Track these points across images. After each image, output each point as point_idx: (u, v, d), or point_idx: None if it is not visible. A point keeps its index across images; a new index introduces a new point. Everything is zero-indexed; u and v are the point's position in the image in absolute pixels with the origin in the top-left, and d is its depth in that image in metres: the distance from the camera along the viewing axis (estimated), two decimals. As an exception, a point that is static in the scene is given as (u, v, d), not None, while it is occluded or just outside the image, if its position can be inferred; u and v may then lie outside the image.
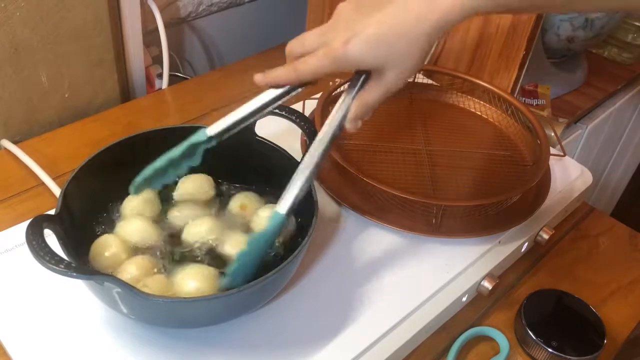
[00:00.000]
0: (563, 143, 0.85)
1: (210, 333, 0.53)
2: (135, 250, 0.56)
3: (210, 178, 0.63)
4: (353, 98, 0.49)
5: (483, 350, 0.61)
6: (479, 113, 0.83)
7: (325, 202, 0.67)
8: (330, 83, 0.79)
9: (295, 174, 0.49)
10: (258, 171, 0.64)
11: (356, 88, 0.49)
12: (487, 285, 0.63)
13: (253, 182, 0.64)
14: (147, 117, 0.86)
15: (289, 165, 0.60)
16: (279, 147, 0.62)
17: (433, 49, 0.94)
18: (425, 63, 0.95)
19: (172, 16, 1.02)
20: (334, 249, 0.63)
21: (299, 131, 0.62)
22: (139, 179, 0.52)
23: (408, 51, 0.45)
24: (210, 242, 0.57)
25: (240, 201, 0.62)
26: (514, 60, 0.87)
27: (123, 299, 0.46)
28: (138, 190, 0.53)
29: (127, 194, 0.59)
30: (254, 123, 0.61)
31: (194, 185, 0.62)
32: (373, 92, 0.48)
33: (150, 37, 0.94)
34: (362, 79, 0.48)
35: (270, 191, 0.63)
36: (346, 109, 0.49)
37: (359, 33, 0.44)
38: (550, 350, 0.58)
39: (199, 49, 1.11)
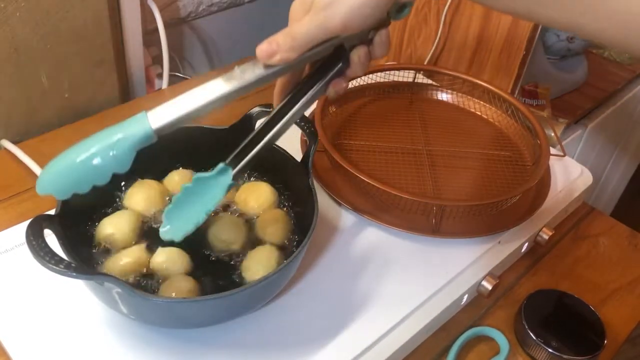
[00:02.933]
0: (563, 143, 0.85)
1: (210, 333, 0.53)
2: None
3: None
4: None
5: (483, 351, 0.61)
6: (479, 113, 0.83)
7: (325, 202, 0.67)
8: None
9: (257, 134, 0.48)
10: (257, 171, 0.64)
11: None
12: (487, 285, 0.63)
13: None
14: (147, 117, 0.86)
15: (289, 164, 0.60)
16: (279, 147, 0.62)
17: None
18: (433, 60, 0.95)
19: (172, 16, 1.02)
20: (334, 249, 0.63)
21: (299, 131, 0.62)
22: (46, 176, 0.42)
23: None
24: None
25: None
26: (514, 60, 0.87)
27: (123, 299, 0.46)
28: (44, 191, 0.42)
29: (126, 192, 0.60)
30: (253, 122, 0.61)
31: None
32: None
33: (150, 37, 0.94)
34: None
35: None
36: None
37: None
38: (550, 350, 0.58)
39: (199, 49, 1.11)
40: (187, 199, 0.49)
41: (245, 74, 0.43)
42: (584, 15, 0.37)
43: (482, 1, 0.42)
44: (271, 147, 0.61)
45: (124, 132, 0.41)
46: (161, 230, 0.49)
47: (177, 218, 0.49)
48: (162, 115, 0.42)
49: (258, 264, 0.54)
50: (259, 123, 0.50)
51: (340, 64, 0.46)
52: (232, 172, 0.48)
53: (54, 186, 0.42)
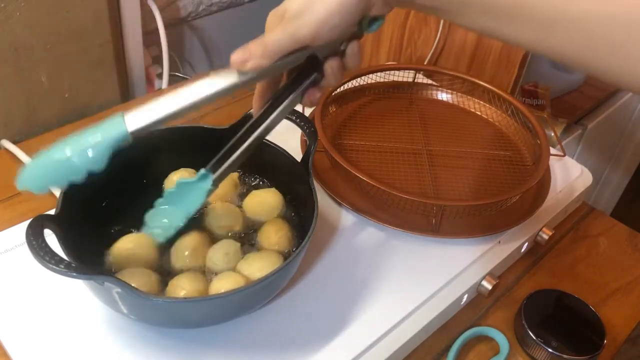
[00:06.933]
0: (563, 143, 0.85)
1: (210, 333, 0.53)
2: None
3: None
4: None
5: (483, 350, 0.61)
6: (479, 113, 0.83)
7: (325, 202, 0.67)
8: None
9: (237, 141, 0.50)
10: (258, 171, 0.64)
11: None
12: (487, 285, 0.63)
13: (253, 182, 0.64)
14: (147, 117, 0.86)
15: (289, 164, 0.60)
16: (279, 147, 0.62)
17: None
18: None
19: (172, 16, 1.02)
20: (334, 249, 0.63)
21: (299, 131, 0.62)
22: (26, 174, 0.44)
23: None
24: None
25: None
26: (514, 60, 0.87)
27: (123, 299, 0.46)
28: (22, 186, 0.44)
29: (126, 193, 0.60)
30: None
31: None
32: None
33: (150, 37, 0.94)
34: None
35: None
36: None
37: None
38: (550, 350, 0.58)
39: (199, 49, 1.12)
40: (171, 203, 0.52)
41: (220, 80, 0.45)
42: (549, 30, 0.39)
43: (449, 17, 0.43)
44: (272, 148, 0.62)
45: (100, 134, 0.43)
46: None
47: (159, 221, 0.52)
48: (138, 118, 0.44)
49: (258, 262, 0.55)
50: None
51: (315, 74, 0.47)
52: (212, 177, 0.50)
53: (32, 182, 0.44)
